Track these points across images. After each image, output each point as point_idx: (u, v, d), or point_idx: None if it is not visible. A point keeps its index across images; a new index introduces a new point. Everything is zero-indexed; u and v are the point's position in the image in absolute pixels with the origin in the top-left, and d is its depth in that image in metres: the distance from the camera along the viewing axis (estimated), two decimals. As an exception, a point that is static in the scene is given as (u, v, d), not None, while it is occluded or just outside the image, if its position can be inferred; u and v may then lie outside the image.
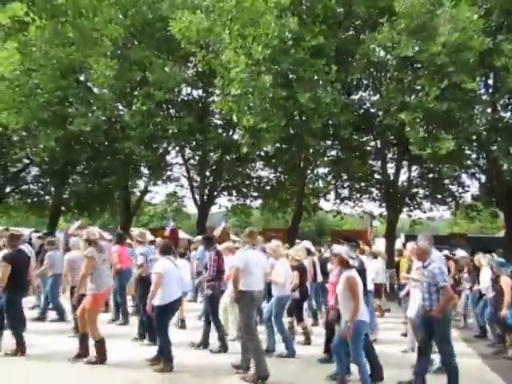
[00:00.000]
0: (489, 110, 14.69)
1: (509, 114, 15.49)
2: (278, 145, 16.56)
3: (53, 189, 20.52)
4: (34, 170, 20.72)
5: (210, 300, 6.57)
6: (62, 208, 21.31)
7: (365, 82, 16.54)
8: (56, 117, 16.64)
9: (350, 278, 4.81)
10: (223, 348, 6.47)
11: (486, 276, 8.20)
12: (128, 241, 9.19)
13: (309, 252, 8.50)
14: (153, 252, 7.29)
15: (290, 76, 14.45)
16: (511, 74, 12.14)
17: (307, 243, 8.79)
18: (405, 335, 7.71)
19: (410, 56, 12.71)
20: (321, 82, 14.06)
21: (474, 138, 15.07)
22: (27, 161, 20.12)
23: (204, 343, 6.63)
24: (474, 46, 11.63)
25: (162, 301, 5.49)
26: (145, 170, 20.28)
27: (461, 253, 10.45)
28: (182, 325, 7.84)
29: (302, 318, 7.26)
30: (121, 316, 8.30)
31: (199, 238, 10.73)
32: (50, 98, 15.76)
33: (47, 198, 20.99)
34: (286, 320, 6.92)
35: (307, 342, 7.11)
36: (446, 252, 10.79)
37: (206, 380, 5.41)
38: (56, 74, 15.45)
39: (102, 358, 5.63)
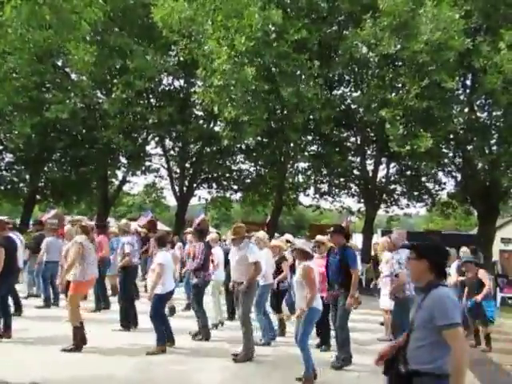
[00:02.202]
0: (466, 110, 14.98)
1: (485, 114, 15.84)
2: (259, 138, 16.54)
3: (28, 176, 20.00)
4: (8, 157, 20.13)
5: (195, 288, 6.68)
6: (38, 196, 20.82)
7: (347, 78, 16.62)
8: (32, 102, 16.18)
9: (306, 268, 4.96)
10: (205, 336, 6.58)
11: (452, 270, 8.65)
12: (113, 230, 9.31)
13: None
14: (136, 242, 7.36)
15: (273, 69, 14.41)
16: (488, 75, 12.39)
17: (288, 236, 8.79)
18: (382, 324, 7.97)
19: (392, 53, 12.83)
20: (303, 77, 14.08)
21: (452, 136, 15.37)
22: (1, 147, 19.52)
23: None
24: (455, 46, 11.82)
25: (161, 290, 5.88)
26: (123, 160, 19.97)
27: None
28: (172, 312, 7.84)
29: (281, 310, 7.30)
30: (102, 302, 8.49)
31: (190, 230, 10.69)
32: (26, 82, 15.28)
33: (22, 185, 20.45)
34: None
35: (282, 332, 7.14)
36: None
37: (202, 361, 5.58)
38: (33, 58, 14.96)
39: (78, 345, 5.69)
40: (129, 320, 6.93)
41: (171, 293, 6.11)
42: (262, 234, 7.17)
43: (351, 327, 5.83)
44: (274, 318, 7.20)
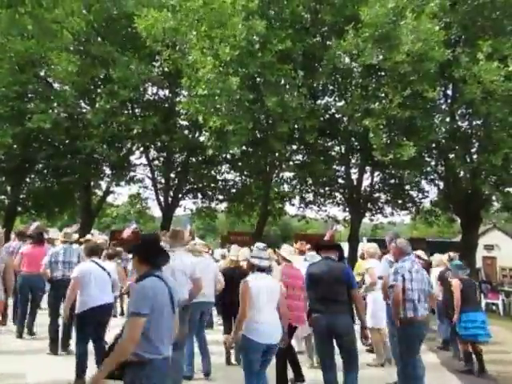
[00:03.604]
0: (447, 120, 15.24)
1: (466, 123, 16.13)
2: (244, 148, 16.53)
3: (9, 188, 19.60)
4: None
5: None
6: (19, 208, 20.41)
7: (330, 87, 16.80)
8: (13, 112, 15.96)
9: (242, 284, 4.12)
10: None
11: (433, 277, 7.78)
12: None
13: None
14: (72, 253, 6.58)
15: (258, 79, 14.50)
16: (468, 85, 12.65)
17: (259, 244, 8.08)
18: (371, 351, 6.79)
19: (374, 64, 13.01)
20: (287, 87, 14.18)
21: (434, 145, 15.61)
22: (-19, 158, 19.11)
23: None
24: (435, 57, 12.05)
25: (78, 308, 4.98)
26: (107, 170, 19.75)
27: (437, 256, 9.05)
28: None
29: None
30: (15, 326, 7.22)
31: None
32: (8, 92, 15.09)
33: (2, 197, 20.02)
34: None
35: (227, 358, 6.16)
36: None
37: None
38: (14, 68, 14.82)
39: None
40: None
41: (97, 310, 4.95)
42: (193, 243, 6.03)
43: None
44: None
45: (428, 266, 9.07)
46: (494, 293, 14.74)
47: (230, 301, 5.69)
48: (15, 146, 16.89)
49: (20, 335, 6.99)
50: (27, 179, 19.69)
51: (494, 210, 18.80)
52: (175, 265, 4.48)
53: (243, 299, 4.00)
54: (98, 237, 7.75)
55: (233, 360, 6.13)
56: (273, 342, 3.97)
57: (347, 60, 14.39)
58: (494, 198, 16.18)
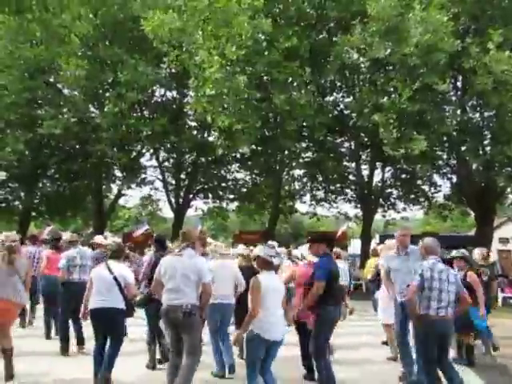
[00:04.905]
0: (458, 112, 15.02)
1: (477, 115, 15.89)
2: (253, 147, 16.52)
3: (22, 193, 19.87)
4: (2, 175, 19.98)
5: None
6: (33, 213, 20.67)
7: (338, 84, 16.69)
8: (24, 119, 16.17)
9: (253, 281, 4.05)
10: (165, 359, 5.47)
11: None
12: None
13: None
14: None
15: (265, 78, 14.46)
16: (479, 76, 12.44)
17: (271, 243, 7.97)
18: (386, 343, 6.79)
19: (383, 58, 12.87)
20: (295, 84, 14.12)
21: (445, 138, 15.40)
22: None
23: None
24: (444, 48, 11.88)
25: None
26: (118, 173, 19.90)
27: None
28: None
29: None
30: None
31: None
32: (18, 99, 15.27)
33: (16, 203, 20.30)
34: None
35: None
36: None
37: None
38: (23, 75, 15.01)
39: None
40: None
41: (94, 312, 4.90)
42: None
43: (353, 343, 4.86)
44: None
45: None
46: (511, 287, 14.48)
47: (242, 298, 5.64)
48: (27, 152, 17.12)
49: (48, 336, 7.09)
50: (40, 184, 19.94)
51: (508, 203, 18.52)
52: (177, 267, 4.28)
53: (255, 297, 3.93)
54: (107, 239, 7.81)
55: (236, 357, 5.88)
56: (277, 338, 4.01)
57: (355, 55, 14.26)
58: (508, 190, 15.93)
